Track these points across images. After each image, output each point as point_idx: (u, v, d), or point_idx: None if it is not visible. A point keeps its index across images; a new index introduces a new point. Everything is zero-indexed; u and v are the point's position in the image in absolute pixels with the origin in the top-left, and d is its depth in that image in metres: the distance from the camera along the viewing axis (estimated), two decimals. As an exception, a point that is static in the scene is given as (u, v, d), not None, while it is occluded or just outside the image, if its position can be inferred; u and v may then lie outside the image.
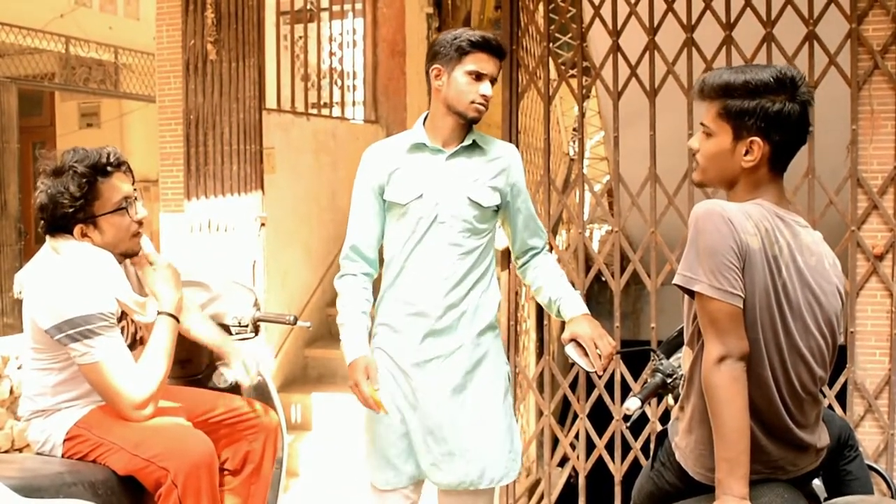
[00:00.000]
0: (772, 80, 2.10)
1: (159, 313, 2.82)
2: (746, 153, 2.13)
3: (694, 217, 2.12)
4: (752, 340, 2.08)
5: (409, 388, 2.86)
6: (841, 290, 2.22)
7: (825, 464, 2.44)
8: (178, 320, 2.86)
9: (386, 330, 2.93)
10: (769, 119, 2.09)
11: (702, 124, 2.20)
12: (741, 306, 2.05)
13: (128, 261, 2.91)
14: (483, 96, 2.82)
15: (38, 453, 2.81)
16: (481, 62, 2.80)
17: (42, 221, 2.78)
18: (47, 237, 2.80)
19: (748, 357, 2.07)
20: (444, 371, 2.86)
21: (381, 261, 3.00)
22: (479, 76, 2.81)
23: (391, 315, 2.91)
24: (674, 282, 2.15)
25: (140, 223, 2.86)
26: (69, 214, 2.73)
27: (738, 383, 2.03)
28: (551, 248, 4.71)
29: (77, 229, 2.75)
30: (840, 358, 4.11)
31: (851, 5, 4.17)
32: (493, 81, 2.85)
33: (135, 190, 2.87)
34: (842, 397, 4.24)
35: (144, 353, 2.76)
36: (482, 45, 2.80)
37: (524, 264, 3.08)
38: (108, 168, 2.77)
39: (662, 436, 2.42)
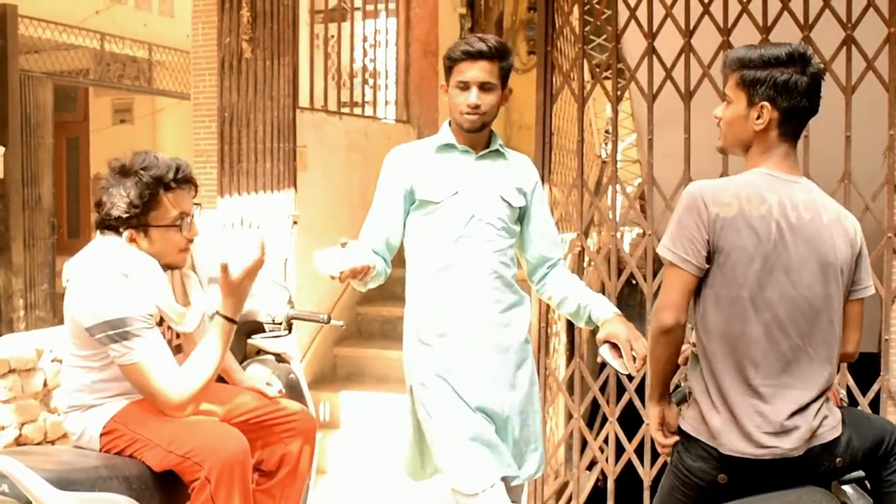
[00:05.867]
0: (783, 54, 2.34)
1: (217, 314, 2.77)
2: (758, 118, 2.36)
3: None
4: (735, 297, 2.30)
5: (467, 382, 2.86)
6: (852, 239, 2.39)
7: (866, 470, 2.43)
8: (235, 324, 2.79)
9: (431, 336, 2.90)
10: (777, 87, 2.33)
11: (724, 93, 2.44)
12: (692, 273, 2.30)
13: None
14: (468, 105, 2.83)
15: (75, 445, 2.84)
16: (464, 72, 2.84)
17: (97, 215, 2.79)
18: (97, 232, 2.81)
19: (732, 317, 2.29)
20: (499, 366, 2.88)
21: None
22: (465, 86, 2.84)
23: (435, 319, 2.89)
24: (657, 250, 2.41)
25: (191, 240, 2.84)
26: (123, 218, 2.73)
27: (666, 335, 2.30)
28: (582, 250, 4.71)
29: (127, 233, 2.75)
30: (874, 365, 4.09)
31: (890, 9, 4.13)
32: (486, 87, 2.84)
33: (197, 205, 2.86)
34: (875, 405, 4.19)
35: (195, 352, 2.75)
36: (463, 56, 2.83)
37: (542, 277, 3.07)
38: (173, 184, 2.76)
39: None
